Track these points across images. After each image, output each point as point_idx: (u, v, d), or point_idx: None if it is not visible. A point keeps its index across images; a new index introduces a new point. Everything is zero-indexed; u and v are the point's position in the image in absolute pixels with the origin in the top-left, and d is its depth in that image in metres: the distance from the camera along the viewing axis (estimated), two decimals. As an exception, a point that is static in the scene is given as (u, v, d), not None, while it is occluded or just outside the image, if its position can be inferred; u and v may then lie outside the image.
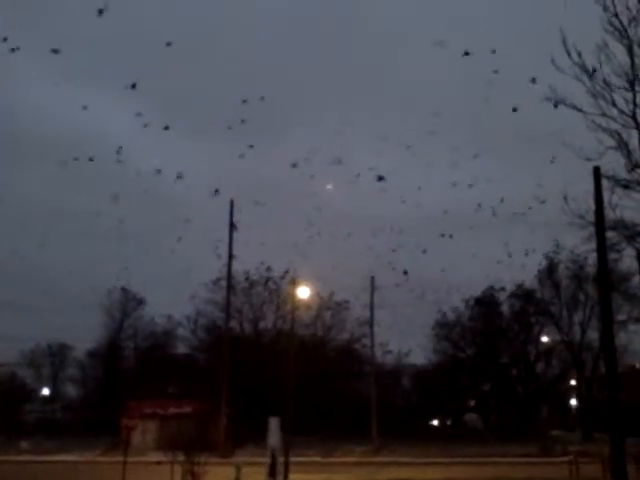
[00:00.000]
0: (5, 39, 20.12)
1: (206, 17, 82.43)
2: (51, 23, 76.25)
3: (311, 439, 41.23)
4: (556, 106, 15.40)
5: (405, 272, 41.45)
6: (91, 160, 26.83)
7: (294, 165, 30.40)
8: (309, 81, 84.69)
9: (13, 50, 20.90)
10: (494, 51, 20.17)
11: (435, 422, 72.24)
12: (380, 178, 26.21)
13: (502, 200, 29.66)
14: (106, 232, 59.13)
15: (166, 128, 26.42)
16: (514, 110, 21.33)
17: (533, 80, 19.56)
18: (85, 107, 25.69)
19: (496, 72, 20.84)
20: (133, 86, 21.72)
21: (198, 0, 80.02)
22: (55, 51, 22.09)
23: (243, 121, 26.81)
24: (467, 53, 20.75)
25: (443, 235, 38.77)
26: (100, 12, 20.97)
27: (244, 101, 24.54)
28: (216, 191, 32.51)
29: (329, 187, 37.40)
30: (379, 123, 75.39)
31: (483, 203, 30.59)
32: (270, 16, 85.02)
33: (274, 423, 23.99)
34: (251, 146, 26.63)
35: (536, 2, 55.86)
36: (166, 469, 20.53)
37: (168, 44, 23.95)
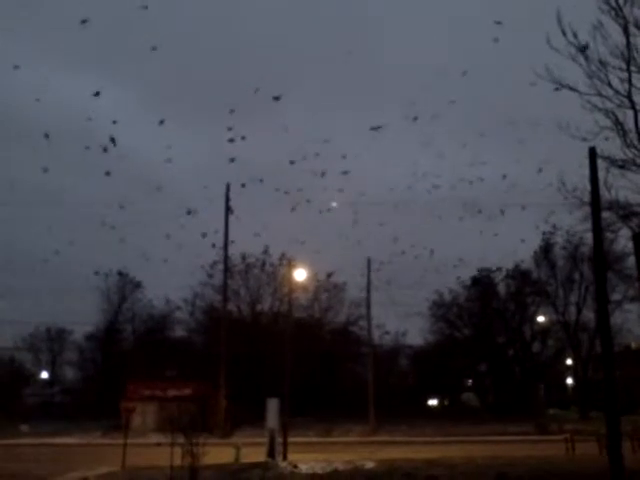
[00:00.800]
0: None
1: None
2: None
3: (309, 420, 41.59)
4: (558, 89, 15.32)
5: (403, 252, 41.43)
6: (105, 151, 26.56)
7: (292, 162, 30.15)
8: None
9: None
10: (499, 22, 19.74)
11: (433, 402, 72.87)
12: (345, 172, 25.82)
13: (504, 176, 29.49)
14: (104, 216, 58.92)
15: (161, 122, 26.14)
16: (496, 39, 20.41)
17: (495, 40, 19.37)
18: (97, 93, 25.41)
19: (496, 40, 20.36)
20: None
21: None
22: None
23: (232, 111, 26.59)
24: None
25: (440, 217, 38.70)
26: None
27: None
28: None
29: (334, 204, 37.26)
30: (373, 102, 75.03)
31: (485, 182, 30.50)
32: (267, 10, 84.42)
33: (272, 404, 24.17)
34: (243, 137, 26.40)
35: (532, -19, 55.41)
36: (166, 450, 20.69)
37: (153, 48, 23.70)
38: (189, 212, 33.42)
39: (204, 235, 38.94)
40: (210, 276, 54.31)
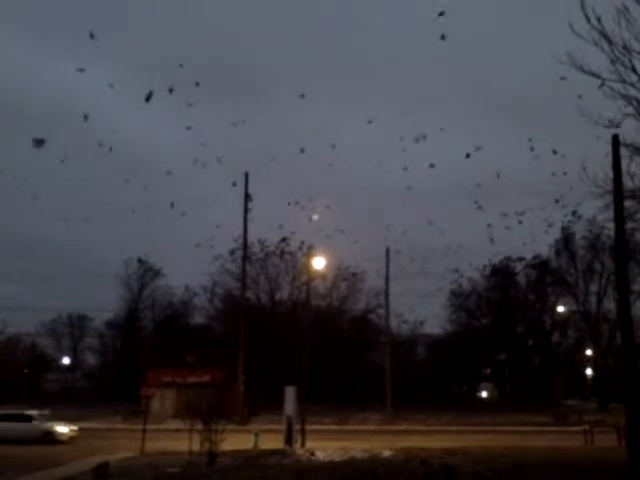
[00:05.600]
0: None
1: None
2: None
3: (327, 408, 41.70)
4: (563, 78, 14.99)
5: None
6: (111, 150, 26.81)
7: (302, 150, 30.04)
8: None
9: None
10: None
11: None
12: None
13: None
14: (125, 205, 59.43)
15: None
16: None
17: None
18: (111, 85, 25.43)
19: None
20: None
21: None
22: None
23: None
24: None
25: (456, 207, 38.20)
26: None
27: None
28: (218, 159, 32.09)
29: (315, 217, 37.11)
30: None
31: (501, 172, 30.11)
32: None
33: (290, 392, 24.29)
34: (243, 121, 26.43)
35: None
36: (185, 436, 20.87)
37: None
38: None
39: (218, 226, 38.98)
40: (227, 263, 54.49)
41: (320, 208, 37.94)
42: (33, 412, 28.42)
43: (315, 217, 37.50)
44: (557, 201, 24.62)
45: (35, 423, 27.19)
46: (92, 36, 20.89)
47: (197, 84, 25.03)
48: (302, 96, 26.30)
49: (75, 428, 27.88)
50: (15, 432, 26.21)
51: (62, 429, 27.09)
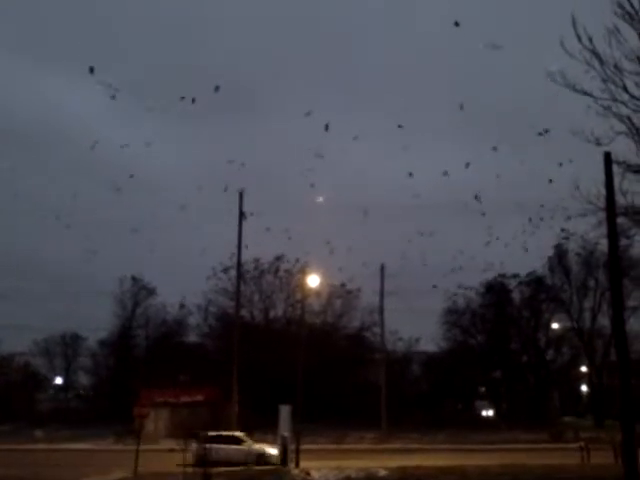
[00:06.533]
0: None
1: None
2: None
3: (322, 426, 41.44)
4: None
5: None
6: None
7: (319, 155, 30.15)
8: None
9: None
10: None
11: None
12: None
13: (497, 180, 29.35)
14: (116, 222, 59.29)
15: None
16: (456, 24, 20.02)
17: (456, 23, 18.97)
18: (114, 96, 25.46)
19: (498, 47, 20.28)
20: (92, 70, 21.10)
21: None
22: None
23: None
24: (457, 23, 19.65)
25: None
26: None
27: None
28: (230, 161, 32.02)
29: (320, 199, 37.13)
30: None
31: (499, 188, 30.30)
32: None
33: (285, 411, 24.16)
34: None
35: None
36: (178, 456, 20.71)
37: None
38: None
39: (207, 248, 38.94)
40: (221, 281, 54.43)
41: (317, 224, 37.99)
42: (240, 434, 27.90)
43: (320, 199, 37.41)
44: (542, 220, 24.60)
45: (247, 445, 26.79)
46: (92, 70, 21.02)
47: (193, 100, 25.11)
48: (308, 114, 26.24)
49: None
50: (228, 454, 25.63)
51: (273, 451, 26.29)
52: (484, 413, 67.37)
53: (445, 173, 28.27)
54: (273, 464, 25.17)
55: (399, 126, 27.22)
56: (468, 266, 52.19)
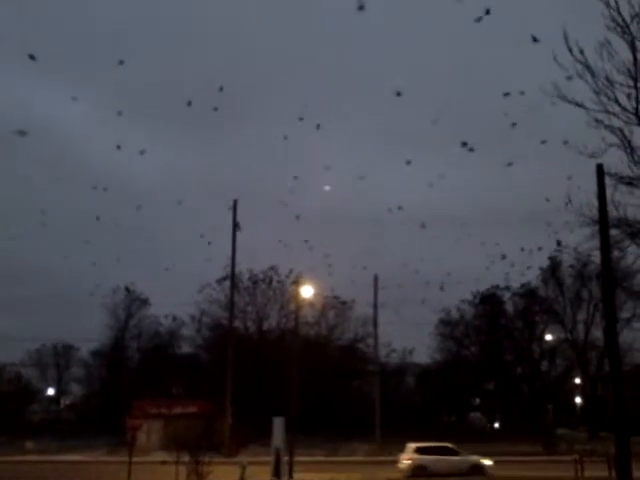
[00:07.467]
0: None
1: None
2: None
3: (315, 438, 41.21)
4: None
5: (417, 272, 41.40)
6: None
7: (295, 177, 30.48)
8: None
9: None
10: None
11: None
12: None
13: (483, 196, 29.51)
14: (110, 232, 59.12)
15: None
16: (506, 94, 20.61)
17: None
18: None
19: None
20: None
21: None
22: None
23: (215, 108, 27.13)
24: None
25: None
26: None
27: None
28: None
29: (327, 188, 37.32)
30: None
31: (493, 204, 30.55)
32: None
33: (278, 423, 24.01)
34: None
35: None
36: (171, 469, 20.57)
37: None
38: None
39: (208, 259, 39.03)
40: (215, 292, 54.31)
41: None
42: (452, 445, 27.48)
43: (327, 188, 37.60)
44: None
45: (463, 456, 26.49)
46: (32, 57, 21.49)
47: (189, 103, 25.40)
48: (301, 119, 26.41)
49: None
50: (447, 465, 25.69)
51: (488, 463, 26.15)
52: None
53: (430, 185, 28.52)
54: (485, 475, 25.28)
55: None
56: (461, 278, 52.41)
